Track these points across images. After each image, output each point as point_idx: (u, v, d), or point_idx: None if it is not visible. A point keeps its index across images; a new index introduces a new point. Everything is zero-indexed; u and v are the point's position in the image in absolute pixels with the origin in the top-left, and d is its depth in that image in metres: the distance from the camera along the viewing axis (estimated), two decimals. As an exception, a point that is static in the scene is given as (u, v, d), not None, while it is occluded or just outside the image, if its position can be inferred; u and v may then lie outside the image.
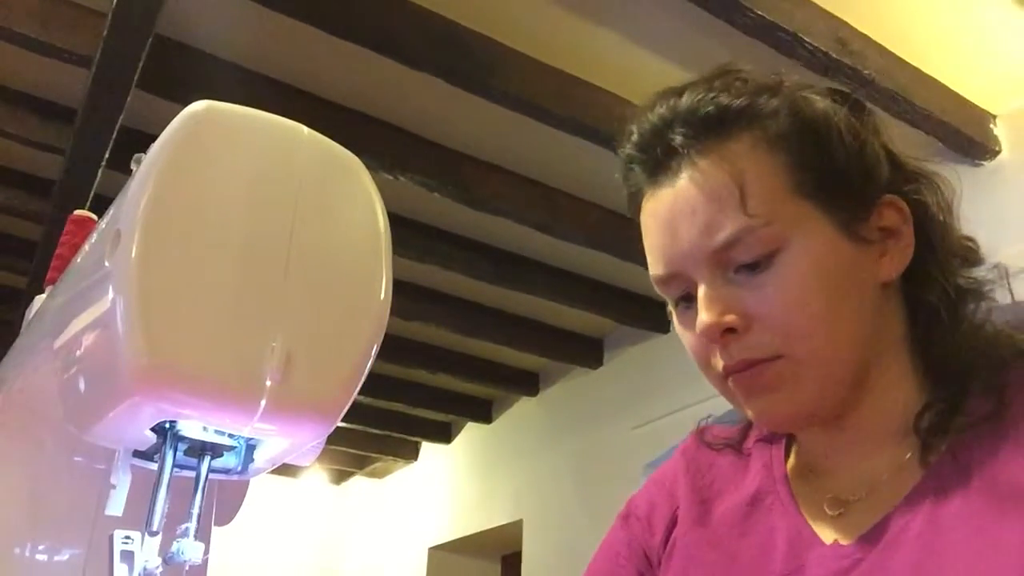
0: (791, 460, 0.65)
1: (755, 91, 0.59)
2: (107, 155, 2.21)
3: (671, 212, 0.58)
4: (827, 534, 0.58)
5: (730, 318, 0.55)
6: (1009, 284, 0.60)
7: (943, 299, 0.58)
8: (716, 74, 0.61)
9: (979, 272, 0.60)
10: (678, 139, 0.58)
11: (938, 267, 0.58)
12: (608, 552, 0.72)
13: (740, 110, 0.58)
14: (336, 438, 3.93)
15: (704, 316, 0.56)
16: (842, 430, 0.60)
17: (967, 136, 2.24)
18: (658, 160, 0.59)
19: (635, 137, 0.61)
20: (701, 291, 0.57)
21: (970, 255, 0.60)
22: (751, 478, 0.66)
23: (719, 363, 0.57)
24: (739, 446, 0.69)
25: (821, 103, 0.59)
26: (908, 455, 0.56)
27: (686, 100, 0.59)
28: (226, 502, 0.83)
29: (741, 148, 0.57)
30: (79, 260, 0.81)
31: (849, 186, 0.57)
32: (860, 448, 0.59)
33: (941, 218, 0.60)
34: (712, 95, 0.59)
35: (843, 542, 0.56)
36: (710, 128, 0.57)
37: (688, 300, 0.59)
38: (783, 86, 0.60)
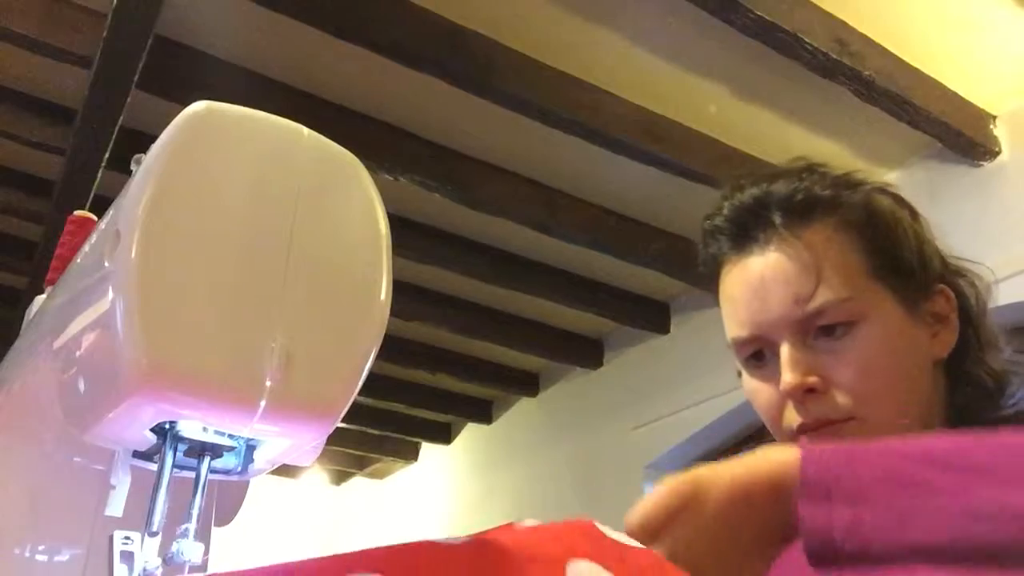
0: None
1: (838, 185, 0.68)
2: (107, 155, 2.21)
3: (762, 280, 0.65)
4: None
5: (813, 379, 0.62)
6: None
7: (989, 375, 0.66)
8: (804, 168, 0.70)
9: (1009, 356, 0.69)
10: (777, 219, 0.66)
11: (979, 351, 0.67)
12: None
13: (827, 200, 0.67)
14: (336, 438, 3.93)
15: (789, 377, 0.62)
16: None
17: (967, 137, 2.24)
18: (749, 233, 0.67)
19: (727, 211, 0.70)
20: (785, 353, 0.63)
21: (999, 343, 0.69)
22: None
23: (793, 420, 0.64)
24: None
25: (887, 202, 0.69)
26: None
27: (781, 187, 0.68)
28: (226, 503, 0.83)
29: (826, 231, 0.65)
30: (79, 260, 0.81)
31: (912, 273, 0.66)
32: None
33: (978, 311, 0.69)
34: (805, 185, 0.68)
35: None
36: (800, 212, 0.66)
37: (759, 358, 0.66)
38: (861, 183, 0.69)
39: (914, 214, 0.70)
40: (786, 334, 0.64)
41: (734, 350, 0.68)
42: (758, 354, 0.66)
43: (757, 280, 0.66)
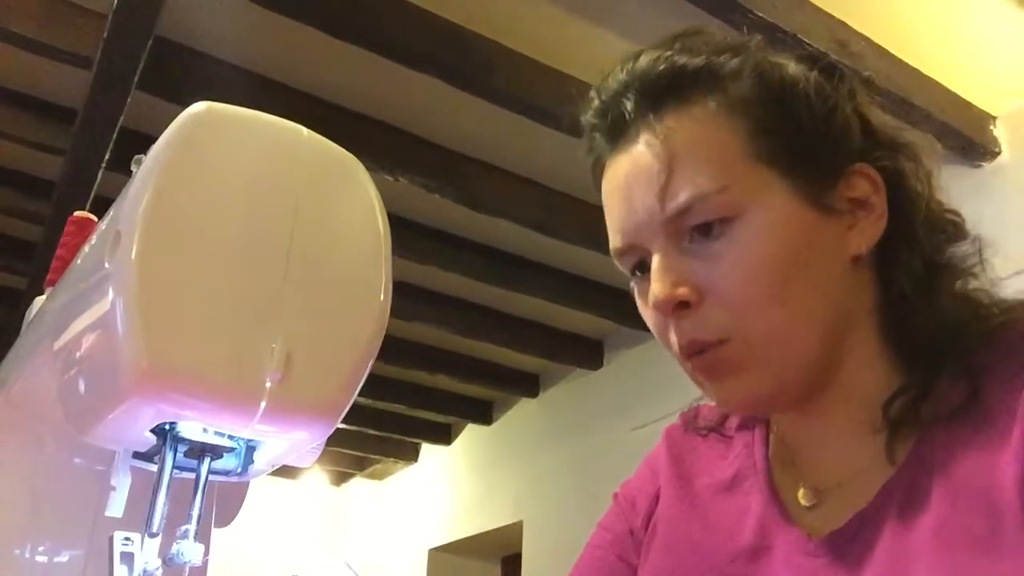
0: (772, 446, 0.63)
1: (715, 51, 0.56)
2: (107, 156, 2.21)
3: (627, 180, 0.56)
4: (800, 522, 0.57)
5: (682, 291, 0.53)
6: (982, 258, 0.56)
7: (914, 274, 0.54)
8: (678, 35, 0.58)
9: (960, 247, 0.57)
10: (630, 104, 0.56)
11: (913, 240, 0.55)
12: (596, 538, 0.72)
13: (696, 71, 0.55)
14: (336, 439, 3.93)
15: (656, 289, 0.53)
16: (813, 416, 0.57)
17: (967, 137, 2.24)
18: (617, 126, 0.57)
19: (596, 103, 0.59)
20: (655, 261, 0.54)
21: (953, 228, 0.57)
22: (731, 460, 0.65)
23: (675, 342, 0.55)
24: (721, 428, 0.68)
25: (791, 68, 0.56)
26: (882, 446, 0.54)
27: (642, 62, 0.56)
28: (226, 504, 0.83)
29: (699, 112, 0.54)
30: (79, 261, 0.81)
31: (814, 154, 0.54)
32: (834, 436, 0.57)
33: (919, 188, 0.57)
34: (669, 56, 0.56)
35: (814, 536, 0.55)
36: (667, 91, 0.55)
37: (644, 270, 0.57)
38: (749, 47, 0.57)
39: (829, 75, 0.56)
40: (659, 239, 0.54)
41: (619, 264, 0.59)
42: (643, 266, 0.56)
43: (623, 180, 0.56)
